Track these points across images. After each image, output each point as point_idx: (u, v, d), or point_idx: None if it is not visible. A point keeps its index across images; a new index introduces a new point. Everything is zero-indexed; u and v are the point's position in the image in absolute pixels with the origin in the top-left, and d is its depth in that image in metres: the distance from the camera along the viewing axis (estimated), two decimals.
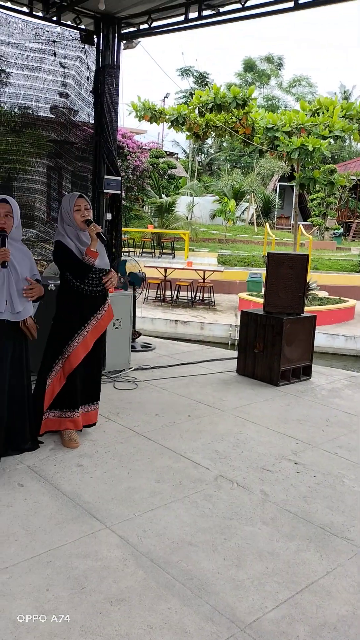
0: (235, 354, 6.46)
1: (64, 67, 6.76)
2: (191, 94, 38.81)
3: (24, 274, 3.27)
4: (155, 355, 6.25)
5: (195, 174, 32.85)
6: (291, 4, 5.55)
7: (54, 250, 3.66)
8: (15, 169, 7.41)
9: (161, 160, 23.60)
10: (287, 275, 5.20)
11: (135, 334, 6.33)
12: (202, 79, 42.01)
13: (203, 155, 41.28)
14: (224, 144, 39.50)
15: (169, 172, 24.38)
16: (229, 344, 10.68)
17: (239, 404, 4.65)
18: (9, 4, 6.26)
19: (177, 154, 36.06)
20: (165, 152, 26.46)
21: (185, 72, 41.80)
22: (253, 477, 3.31)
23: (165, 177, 24.66)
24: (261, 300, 11.78)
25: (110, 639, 1.99)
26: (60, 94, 7.01)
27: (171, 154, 30.32)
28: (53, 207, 7.83)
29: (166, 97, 30.98)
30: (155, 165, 22.69)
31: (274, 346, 5.17)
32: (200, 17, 6.14)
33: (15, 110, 6.86)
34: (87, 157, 7.34)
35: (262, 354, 5.30)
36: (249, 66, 41.24)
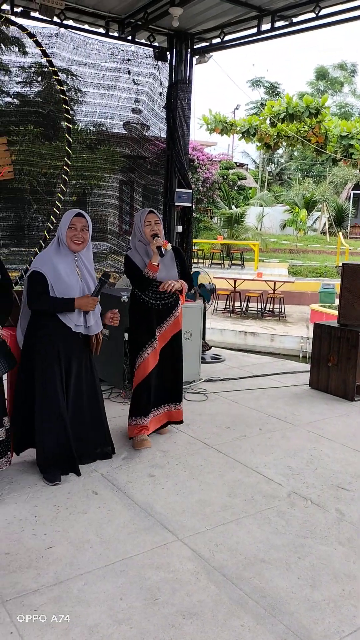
0: (307, 367, 6.32)
1: (137, 85, 6.93)
2: (262, 105, 38.71)
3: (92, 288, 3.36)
4: (225, 367, 6.23)
5: (265, 184, 32.65)
6: None
7: (124, 264, 3.81)
8: (90, 185, 7.66)
9: (231, 171, 23.65)
10: None
11: (206, 346, 6.34)
12: (273, 89, 41.78)
13: (273, 165, 40.97)
14: (295, 154, 39.02)
15: (239, 183, 24.36)
16: (300, 356, 10.47)
17: (312, 418, 4.54)
18: (86, 27, 6.51)
19: (247, 164, 36.00)
20: (235, 163, 26.49)
21: (255, 83, 41.72)
22: (328, 495, 3.21)
23: (235, 188, 24.67)
24: (334, 312, 11.49)
25: None
26: (134, 110, 7.20)
27: (241, 165, 30.32)
28: (125, 220, 8.05)
29: (236, 108, 31.07)
30: (225, 177, 22.76)
31: (349, 360, 5.02)
32: (273, 29, 6.13)
33: (91, 128, 7.10)
34: (158, 171, 7.48)
35: (336, 368, 5.16)
36: (322, 74, 40.59)
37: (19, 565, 2.44)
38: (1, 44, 6.27)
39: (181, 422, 4.08)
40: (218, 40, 6.74)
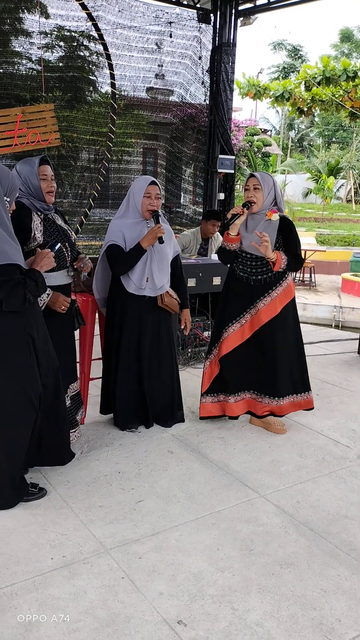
0: (352, 335, 6.37)
1: (181, 48, 6.83)
2: (284, 69, 37.74)
3: (165, 252, 3.40)
4: None
5: (288, 151, 32.08)
6: None
7: None
8: (120, 151, 7.62)
9: (256, 137, 23.26)
10: None
11: None
12: (295, 52, 40.71)
13: (294, 131, 40.17)
14: (317, 119, 38.17)
15: (264, 149, 23.98)
16: (333, 325, 10.47)
17: None
18: None
19: (270, 130, 35.34)
20: (260, 129, 26.02)
21: (278, 45, 40.65)
22: None
23: (259, 155, 24.30)
24: None
25: (288, 598, 2.09)
26: (157, 76, 7.09)
27: (265, 131, 29.77)
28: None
29: (260, 72, 30.33)
30: (251, 144, 22.41)
31: None
32: None
33: (124, 93, 6.99)
34: (183, 138, 7.54)
35: None
36: (346, 36, 39.35)
37: (115, 517, 2.56)
38: (24, 8, 6.18)
39: (311, 408, 3.66)
40: (264, 1, 6.59)
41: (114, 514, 2.59)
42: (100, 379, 4.05)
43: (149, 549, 2.35)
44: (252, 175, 3.40)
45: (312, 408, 3.68)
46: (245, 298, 3.44)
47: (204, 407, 3.63)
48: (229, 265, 3.56)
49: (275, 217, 3.30)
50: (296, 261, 3.36)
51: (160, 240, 3.22)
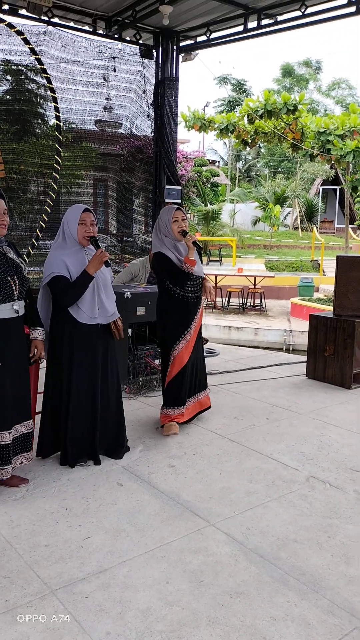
0: (300, 358, 6.48)
1: (126, 82, 6.97)
2: (229, 102, 38.99)
3: (106, 277, 3.43)
4: (221, 361, 6.33)
5: (236, 180, 32.91)
6: (352, 9, 5.59)
7: (154, 261, 3.83)
8: (70, 183, 7.65)
9: (204, 168, 23.79)
10: (357, 278, 5.20)
11: (203, 340, 6.41)
12: (240, 87, 42.12)
13: (241, 162, 41.31)
14: (262, 151, 39.43)
15: (212, 179, 24.53)
16: (284, 349, 10.65)
17: (315, 407, 4.67)
18: (72, 24, 6.51)
19: (219, 161, 36.23)
20: (208, 160, 26.64)
21: (222, 80, 41.98)
22: (344, 477, 3.33)
23: (208, 185, 24.82)
24: (314, 305, 11.74)
25: (237, 629, 2.06)
26: (105, 108, 7.23)
27: (213, 162, 30.50)
28: (99, 219, 8.22)
29: (206, 105, 31.20)
30: (199, 174, 22.89)
31: (345, 349, 5.17)
32: (259, 27, 6.24)
33: (72, 125, 7.09)
34: (132, 169, 7.69)
35: (332, 357, 5.31)
36: (287, 71, 41.07)
37: (60, 556, 2.48)
38: None
39: (210, 407, 4.27)
40: (204, 38, 6.83)
41: (59, 552, 2.51)
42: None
43: (96, 587, 2.28)
44: (178, 209, 3.78)
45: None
46: (190, 315, 3.85)
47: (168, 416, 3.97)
48: (166, 292, 3.86)
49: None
50: None
51: (107, 264, 3.24)
